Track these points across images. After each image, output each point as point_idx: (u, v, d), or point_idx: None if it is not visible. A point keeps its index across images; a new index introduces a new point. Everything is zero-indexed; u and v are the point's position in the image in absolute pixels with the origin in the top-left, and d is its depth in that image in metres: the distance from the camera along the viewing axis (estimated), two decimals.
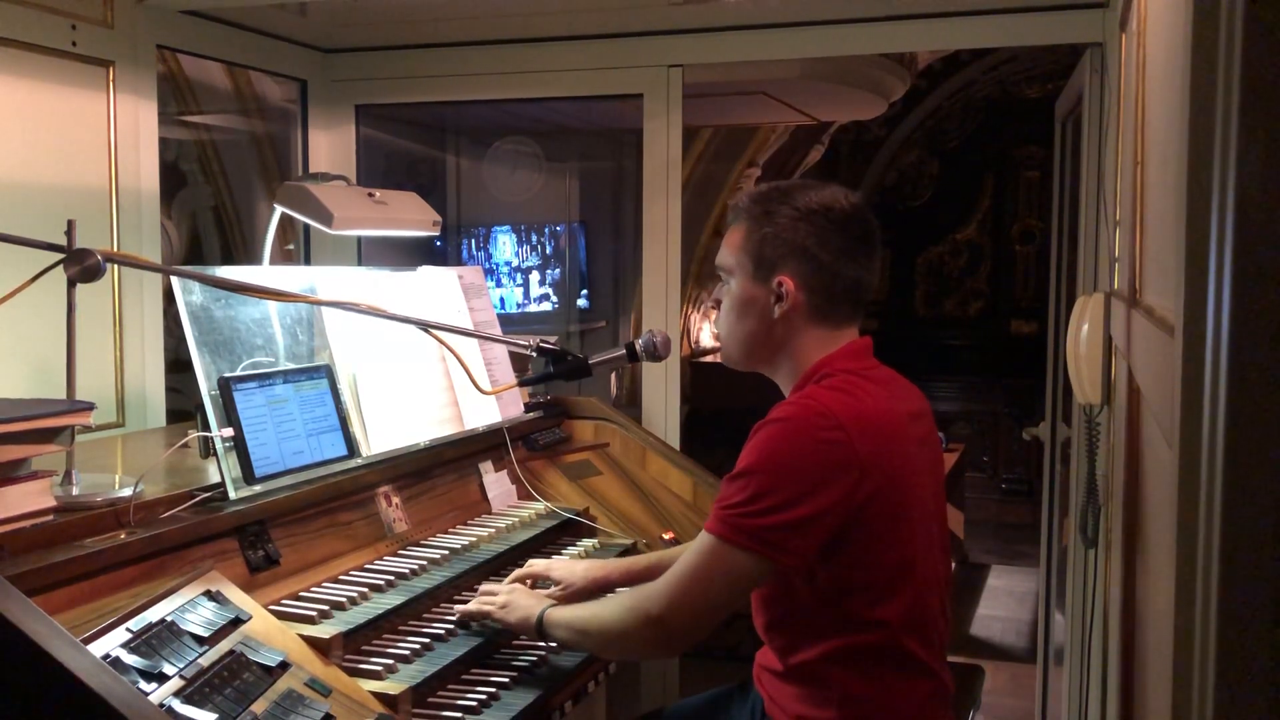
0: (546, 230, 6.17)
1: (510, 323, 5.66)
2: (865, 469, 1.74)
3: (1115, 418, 2.38)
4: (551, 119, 5.80)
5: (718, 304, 2.00)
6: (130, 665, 1.48)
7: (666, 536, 2.82)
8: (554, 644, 2.08)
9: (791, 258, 1.87)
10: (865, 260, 1.91)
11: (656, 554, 2.37)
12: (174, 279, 2.07)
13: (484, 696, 1.93)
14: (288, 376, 2.19)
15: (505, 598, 2.09)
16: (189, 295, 2.07)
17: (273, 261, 2.79)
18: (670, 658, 2.05)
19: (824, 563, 1.77)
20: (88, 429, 1.87)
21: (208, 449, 2.02)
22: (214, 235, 4.89)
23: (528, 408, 2.98)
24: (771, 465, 1.74)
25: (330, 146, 3.70)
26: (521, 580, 2.25)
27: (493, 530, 2.51)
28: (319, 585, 2.04)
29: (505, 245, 6.11)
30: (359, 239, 3.68)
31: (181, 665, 1.53)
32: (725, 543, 1.74)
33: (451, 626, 2.09)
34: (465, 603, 2.22)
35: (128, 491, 1.83)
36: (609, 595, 2.04)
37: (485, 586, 2.19)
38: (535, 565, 2.30)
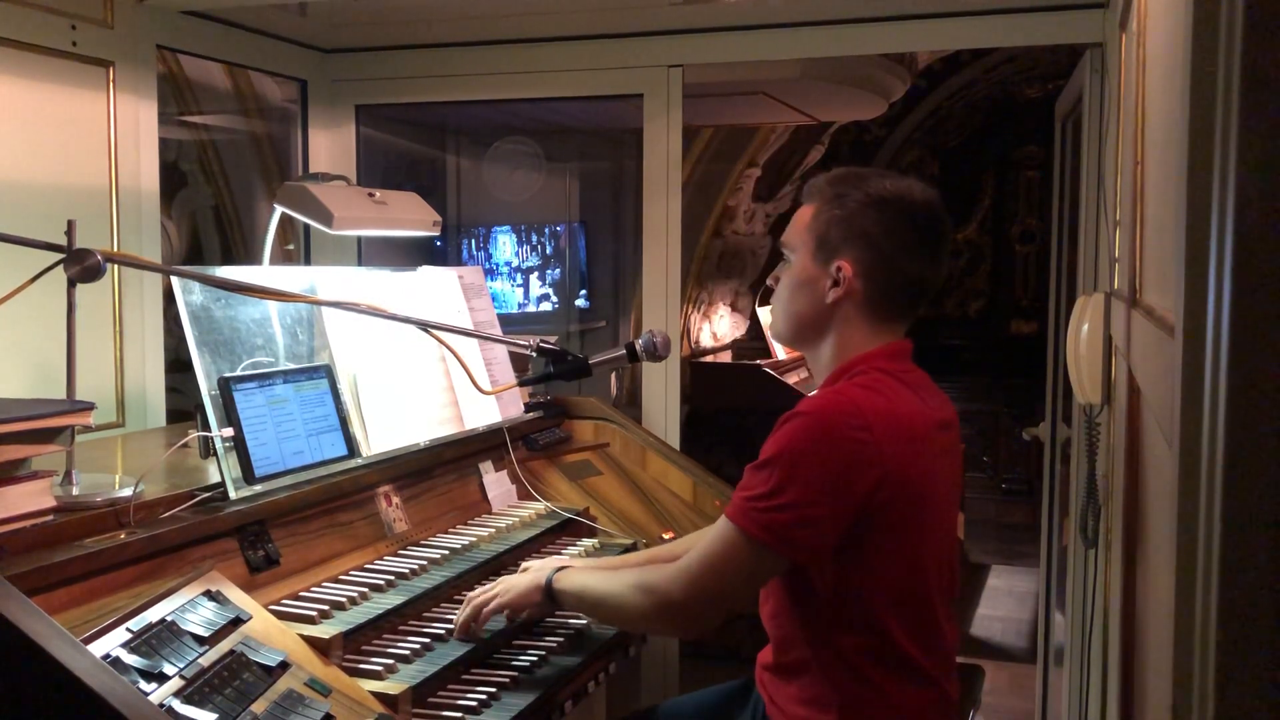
0: (546, 230, 6.17)
1: (510, 323, 5.66)
2: (888, 471, 1.72)
3: (1115, 418, 2.37)
4: (551, 119, 5.79)
5: (777, 280, 1.98)
6: (130, 665, 1.48)
7: (666, 536, 2.82)
8: (562, 610, 2.08)
9: (854, 243, 1.85)
10: (930, 258, 1.87)
11: (647, 552, 2.37)
12: (174, 279, 2.07)
13: (484, 696, 1.93)
14: (288, 376, 2.19)
15: (499, 586, 2.09)
16: (189, 295, 2.07)
17: (273, 261, 2.79)
18: (684, 638, 2.08)
19: (834, 562, 1.76)
20: (88, 429, 1.87)
21: (208, 449, 2.02)
22: (214, 235, 4.88)
23: (528, 408, 2.98)
24: (796, 458, 1.72)
25: (330, 146, 3.70)
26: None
27: (493, 530, 2.51)
28: (319, 585, 2.04)
29: (505, 245, 6.11)
30: (359, 239, 3.68)
31: (181, 665, 1.53)
32: (744, 534, 1.74)
33: (451, 626, 2.09)
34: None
35: (128, 491, 1.83)
36: (622, 571, 2.02)
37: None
38: (531, 566, 2.27)
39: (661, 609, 1.83)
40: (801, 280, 1.90)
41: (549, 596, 2.03)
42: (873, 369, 1.84)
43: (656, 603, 1.84)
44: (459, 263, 5.65)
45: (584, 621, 2.27)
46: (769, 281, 2.02)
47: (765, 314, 6.49)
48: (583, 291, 6.26)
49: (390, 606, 2.02)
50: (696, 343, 7.32)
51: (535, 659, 2.11)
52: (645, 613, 1.88)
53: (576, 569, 2.08)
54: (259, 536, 1.98)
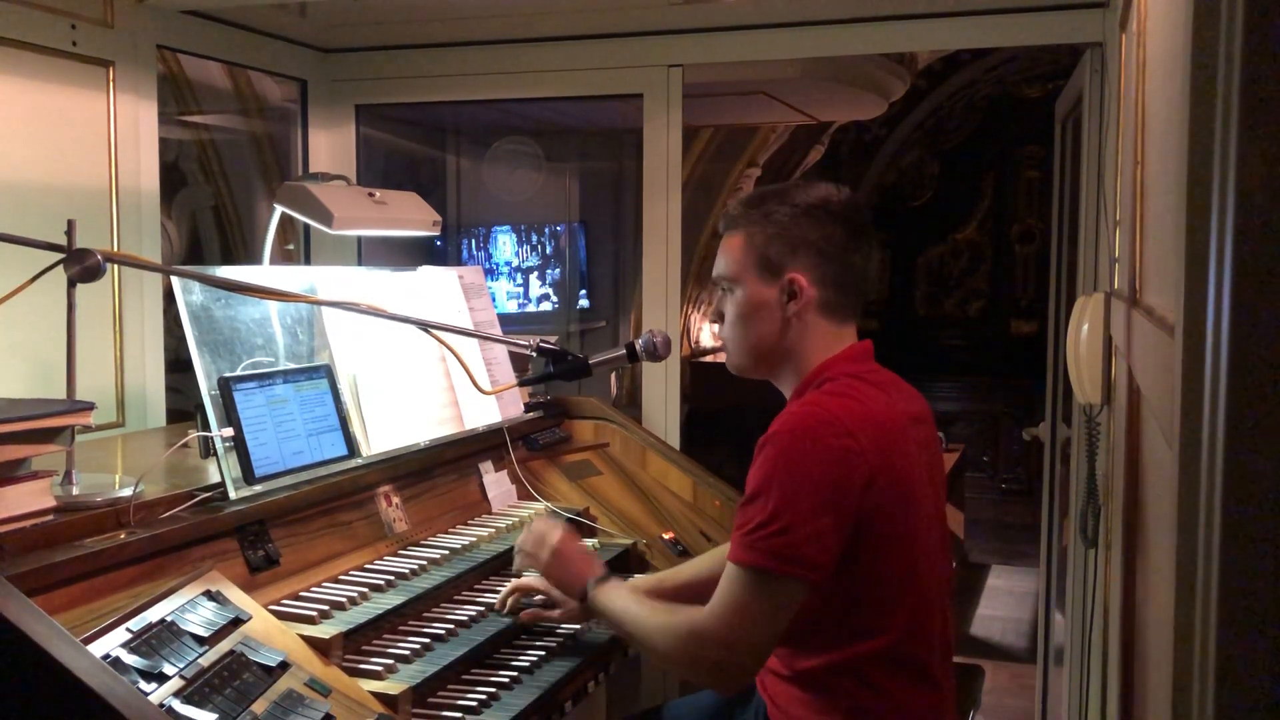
0: (546, 230, 6.17)
1: (510, 323, 5.66)
2: (873, 472, 1.72)
3: (1115, 418, 2.38)
4: (551, 119, 5.80)
5: (720, 316, 1.98)
6: (130, 665, 1.48)
7: (666, 536, 2.82)
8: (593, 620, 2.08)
9: (799, 253, 1.87)
10: (867, 250, 1.92)
11: (656, 576, 2.35)
12: (174, 279, 2.07)
13: (484, 696, 1.93)
14: (288, 376, 2.18)
15: (549, 554, 2.08)
16: (189, 295, 2.07)
17: (273, 261, 2.79)
18: (728, 694, 2.06)
19: (833, 573, 1.76)
20: (88, 429, 1.87)
21: (208, 449, 2.02)
22: (214, 235, 4.89)
23: (528, 408, 2.98)
24: (785, 480, 1.71)
25: (330, 146, 3.70)
26: (514, 593, 2.21)
27: (493, 530, 2.51)
28: (319, 585, 2.04)
29: (505, 245, 6.11)
30: (359, 239, 3.68)
31: (181, 665, 1.53)
32: (754, 569, 1.71)
33: (451, 626, 2.09)
34: (464, 604, 2.22)
35: (128, 491, 1.83)
36: (660, 608, 1.93)
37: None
38: (531, 582, 2.23)
39: (704, 669, 1.81)
40: (754, 305, 1.90)
41: (583, 604, 2.03)
42: (839, 375, 1.85)
43: (698, 660, 1.80)
44: (459, 263, 5.65)
45: (586, 623, 2.26)
46: (710, 319, 2.02)
47: None
48: (583, 291, 6.26)
49: (390, 606, 2.02)
50: (696, 343, 7.32)
51: (535, 659, 2.11)
52: (687, 665, 1.85)
53: (618, 589, 2.03)
54: (259, 536, 1.98)
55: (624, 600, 1.99)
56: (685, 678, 2.07)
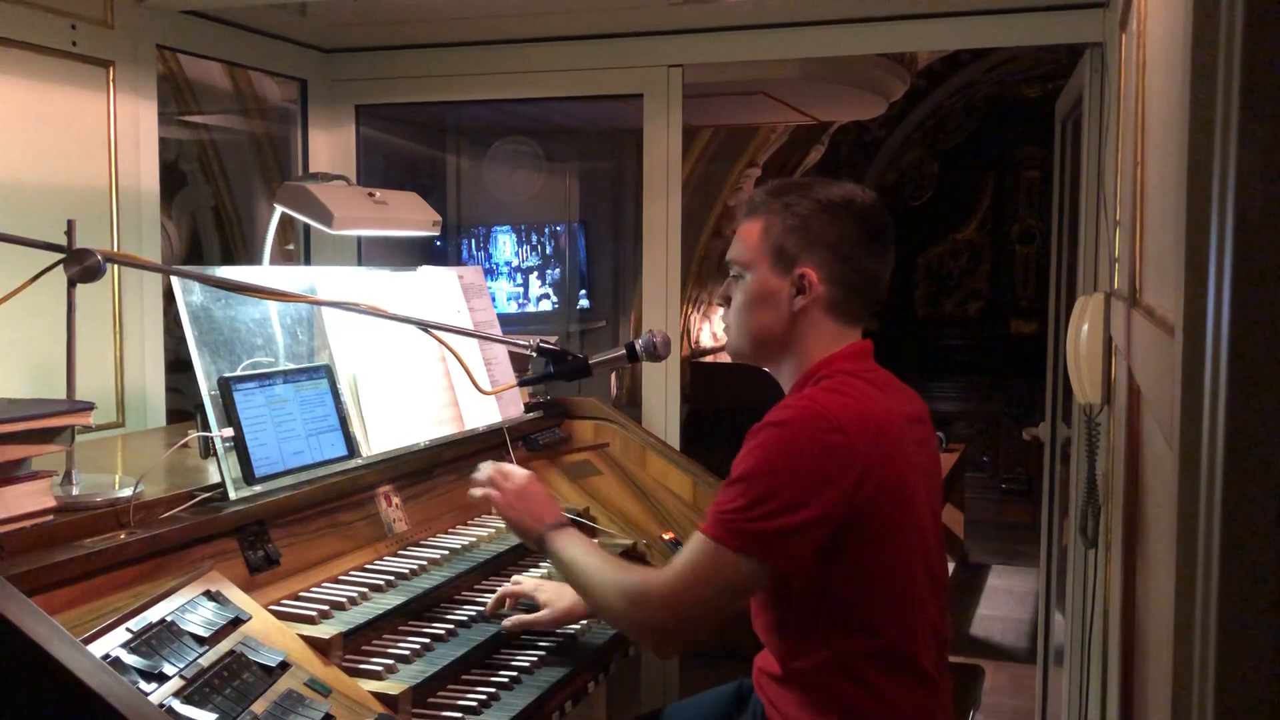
0: (546, 230, 6.17)
1: (510, 323, 5.66)
2: (865, 471, 1.72)
3: (1115, 418, 2.38)
4: (551, 119, 5.80)
5: (726, 300, 1.99)
6: (130, 665, 1.48)
7: (666, 537, 2.82)
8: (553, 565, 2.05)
9: (814, 250, 1.86)
10: (883, 255, 1.91)
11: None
12: (174, 279, 2.07)
13: (484, 696, 1.93)
14: (288, 376, 2.18)
15: (514, 494, 2.06)
16: (189, 295, 2.07)
17: (273, 261, 2.79)
18: (663, 659, 2.05)
19: (822, 567, 1.76)
20: (88, 429, 1.87)
21: (208, 449, 2.02)
22: (214, 235, 4.89)
23: (528, 408, 2.98)
24: (771, 469, 1.72)
25: (330, 146, 3.70)
26: (504, 598, 2.21)
27: (493, 530, 2.51)
28: (319, 585, 2.04)
29: (505, 245, 6.11)
30: (359, 239, 3.68)
31: (181, 665, 1.53)
32: (723, 546, 1.72)
33: (451, 627, 2.09)
34: (464, 604, 2.22)
35: (128, 491, 1.83)
36: (613, 563, 1.94)
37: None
38: (523, 584, 2.25)
39: (646, 628, 1.83)
40: (763, 294, 1.90)
41: (540, 548, 2.02)
42: (838, 372, 1.85)
43: (642, 619, 1.83)
44: (459, 263, 5.65)
45: (583, 625, 2.27)
46: (717, 302, 2.03)
47: None
48: (583, 291, 6.26)
49: (390, 606, 2.02)
50: (696, 343, 7.31)
51: (535, 660, 2.11)
52: (630, 623, 1.87)
53: (574, 537, 2.01)
54: (259, 537, 1.98)
55: (578, 550, 1.97)
56: (625, 634, 2.07)
